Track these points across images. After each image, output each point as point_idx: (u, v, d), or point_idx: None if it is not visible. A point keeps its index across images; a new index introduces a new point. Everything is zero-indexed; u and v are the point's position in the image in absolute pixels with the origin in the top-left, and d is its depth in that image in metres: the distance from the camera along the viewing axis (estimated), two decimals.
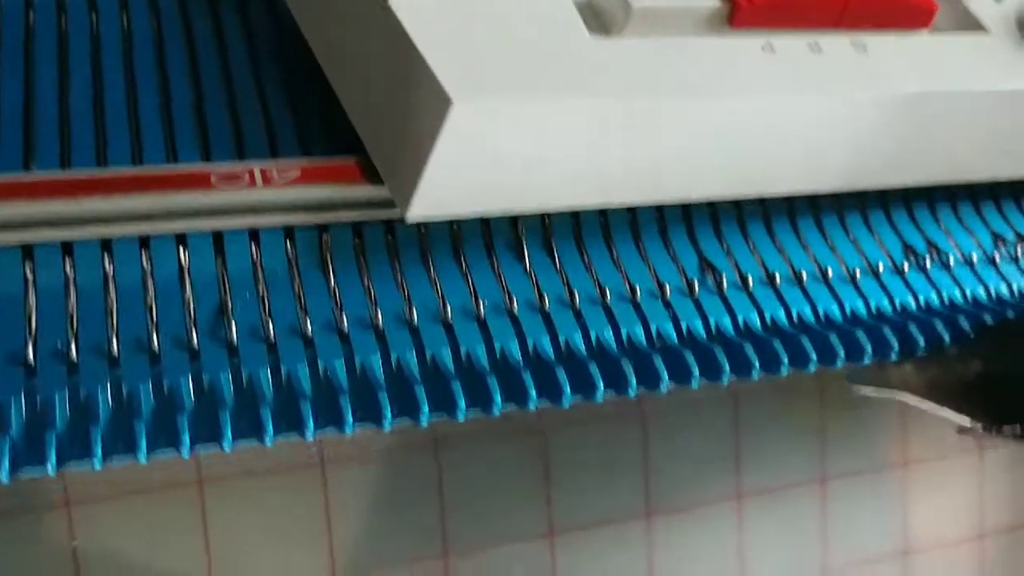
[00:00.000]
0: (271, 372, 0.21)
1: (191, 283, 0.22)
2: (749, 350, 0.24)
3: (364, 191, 0.23)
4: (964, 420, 0.25)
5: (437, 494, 0.30)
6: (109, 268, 0.21)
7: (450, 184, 0.22)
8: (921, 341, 0.25)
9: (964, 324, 0.26)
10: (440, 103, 0.22)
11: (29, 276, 0.21)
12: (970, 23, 0.29)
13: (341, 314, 0.22)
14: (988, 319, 0.26)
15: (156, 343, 0.21)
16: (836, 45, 0.27)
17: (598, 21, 0.26)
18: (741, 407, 0.33)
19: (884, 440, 0.36)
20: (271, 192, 0.23)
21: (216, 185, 0.22)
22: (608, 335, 0.24)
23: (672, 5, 0.26)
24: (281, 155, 0.24)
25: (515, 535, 0.31)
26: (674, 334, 0.24)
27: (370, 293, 0.23)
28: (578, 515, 0.32)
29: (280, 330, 0.22)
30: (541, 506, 0.32)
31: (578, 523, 0.32)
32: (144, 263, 0.22)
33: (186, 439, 0.20)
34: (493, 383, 0.22)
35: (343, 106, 0.24)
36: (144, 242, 0.22)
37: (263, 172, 0.23)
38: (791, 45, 0.26)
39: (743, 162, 0.25)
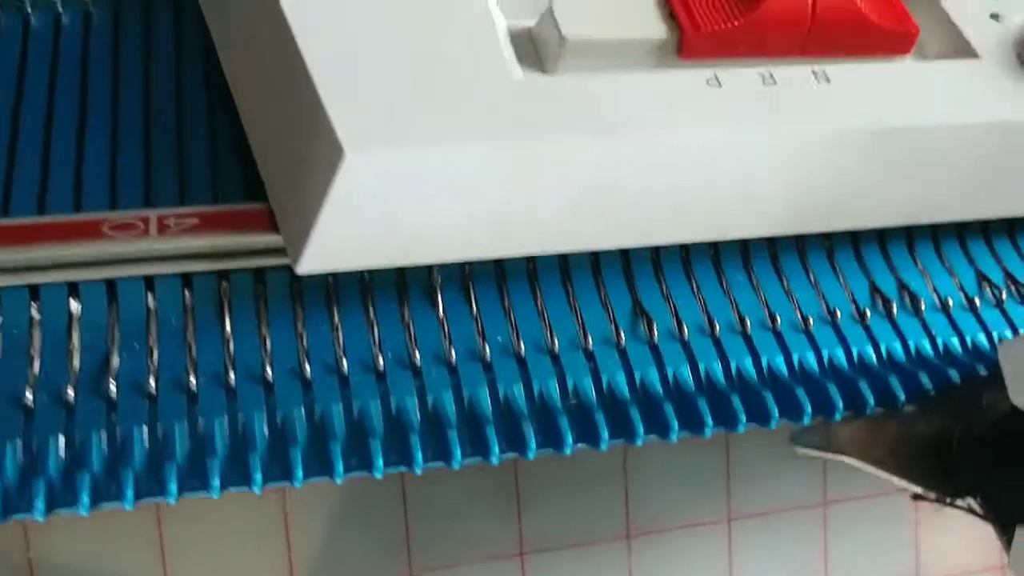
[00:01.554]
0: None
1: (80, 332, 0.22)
2: (669, 410, 0.22)
3: (267, 239, 0.23)
4: (916, 488, 0.23)
5: (402, 510, 0.30)
6: None
7: (345, 237, 0.21)
8: (871, 399, 0.23)
9: (925, 381, 0.23)
10: (333, 152, 0.21)
11: None
12: (959, 48, 0.26)
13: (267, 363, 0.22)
14: (954, 375, 0.24)
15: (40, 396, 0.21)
16: (793, 75, 0.25)
17: (536, 55, 0.25)
18: None
19: None
20: (167, 241, 0.22)
21: (109, 234, 0.22)
22: (551, 387, 0.23)
23: (610, 37, 0.24)
24: (191, 202, 0.23)
25: (484, 554, 0.30)
26: (593, 390, 0.23)
27: (265, 342, 0.22)
28: (552, 534, 0.31)
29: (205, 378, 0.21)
30: (511, 524, 0.31)
31: (552, 543, 0.31)
32: (34, 312, 0.22)
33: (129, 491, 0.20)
34: (376, 445, 0.21)
35: (251, 147, 0.24)
36: (34, 291, 0.22)
37: (160, 220, 0.22)
38: (741, 76, 0.24)
39: (671, 207, 0.23)
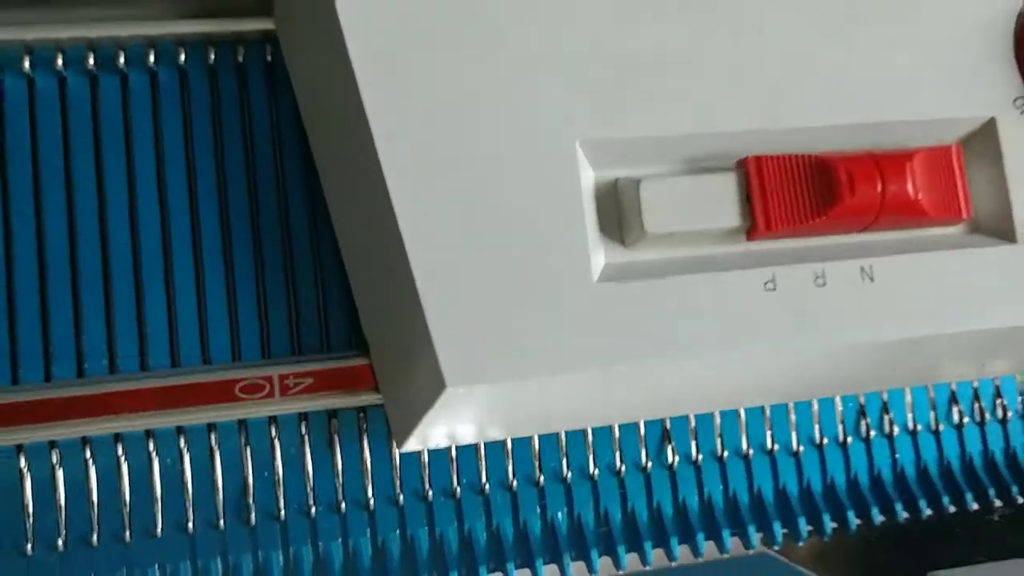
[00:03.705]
0: None
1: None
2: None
3: (375, 397, 0.27)
4: None
5: None
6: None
7: (441, 434, 0.26)
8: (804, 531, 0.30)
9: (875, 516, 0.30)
10: (435, 379, 0.25)
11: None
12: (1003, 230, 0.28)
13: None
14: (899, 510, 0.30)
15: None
16: (843, 273, 0.27)
17: (617, 221, 0.27)
18: None
19: None
20: (288, 402, 0.27)
21: (239, 396, 0.26)
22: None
23: (688, 229, 0.26)
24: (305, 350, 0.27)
25: None
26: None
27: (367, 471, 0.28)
28: None
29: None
30: None
31: None
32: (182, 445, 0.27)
33: None
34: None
35: (360, 319, 0.27)
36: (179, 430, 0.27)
37: (281, 380, 0.26)
38: (796, 277, 0.27)
39: (705, 394, 0.28)
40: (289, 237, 0.28)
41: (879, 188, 0.27)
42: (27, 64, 0.27)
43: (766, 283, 0.27)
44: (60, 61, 0.27)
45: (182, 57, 0.28)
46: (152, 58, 0.28)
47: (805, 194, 0.27)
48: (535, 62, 0.26)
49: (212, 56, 0.28)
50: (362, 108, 0.25)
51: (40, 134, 0.27)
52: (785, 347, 0.27)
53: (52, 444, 0.26)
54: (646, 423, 0.29)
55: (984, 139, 0.29)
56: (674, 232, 0.26)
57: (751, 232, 0.27)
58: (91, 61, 0.27)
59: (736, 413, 0.30)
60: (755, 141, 0.27)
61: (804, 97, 0.27)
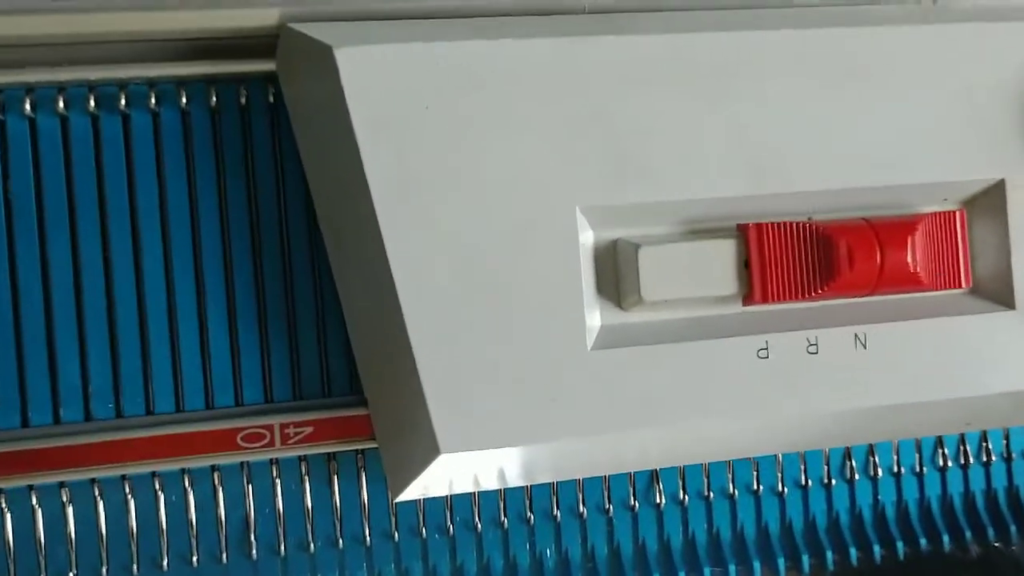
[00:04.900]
0: None
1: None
2: None
3: (372, 445, 0.28)
4: None
5: None
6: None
7: (432, 487, 0.27)
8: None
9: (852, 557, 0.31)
10: (430, 444, 0.26)
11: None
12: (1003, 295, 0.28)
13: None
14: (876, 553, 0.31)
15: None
16: (836, 341, 0.27)
17: (616, 284, 0.27)
18: None
19: None
20: (288, 450, 0.27)
21: (241, 445, 0.27)
22: None
23: (684, 296, 0.27)
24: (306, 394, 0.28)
25: None
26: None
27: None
28: None
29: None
30: None
31: None
32: (186, 484, 0.28)
33: None
34: None
35: (359, 374, 0.27)
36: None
37: (282, 429, 0.27)
38: (788, 344, 0.27)
39: (697, 449, 0.28)
40: (291, 282, 0.28)
41: (878, 260, 0.27)
42: (28, 106, 0.27)
43: (759, 351, 0.27)
44: (62, 103, 0.27)
45: (184, 99, 0.27)
46: (154, 99, 0.27)
47: (804, 264, 0.27)
48: (538, 128, 0.26)
49: (214, 97, 0.28)
50: (362, 168, 0.25)
51: (43, 178, 0.27)
52: (776, 415, 0.27)
53: (62, 484, 0.27)
54: None
55: (989, 202, 0.29)
56: (671, 299, 0.27)
57: (747, 299, 0.27)
58: (92, 103, 0.27)
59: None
60: (757, 205, 0.27)
61: (807, 160, 0.27)
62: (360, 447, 0.28)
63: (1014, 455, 0.32)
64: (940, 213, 0.28)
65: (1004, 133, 0.28)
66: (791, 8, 0.28)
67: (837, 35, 0.27)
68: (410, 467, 0.26)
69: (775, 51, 0.27)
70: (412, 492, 0.27)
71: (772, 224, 0.27)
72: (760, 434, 0.28)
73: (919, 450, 0.32)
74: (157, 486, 0.27)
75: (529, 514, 0.30)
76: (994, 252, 0.28)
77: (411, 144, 0.25)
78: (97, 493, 0.27)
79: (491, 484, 0.27)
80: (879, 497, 0.32)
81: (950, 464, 0.32)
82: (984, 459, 0.32)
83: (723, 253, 0.27)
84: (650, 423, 0.26)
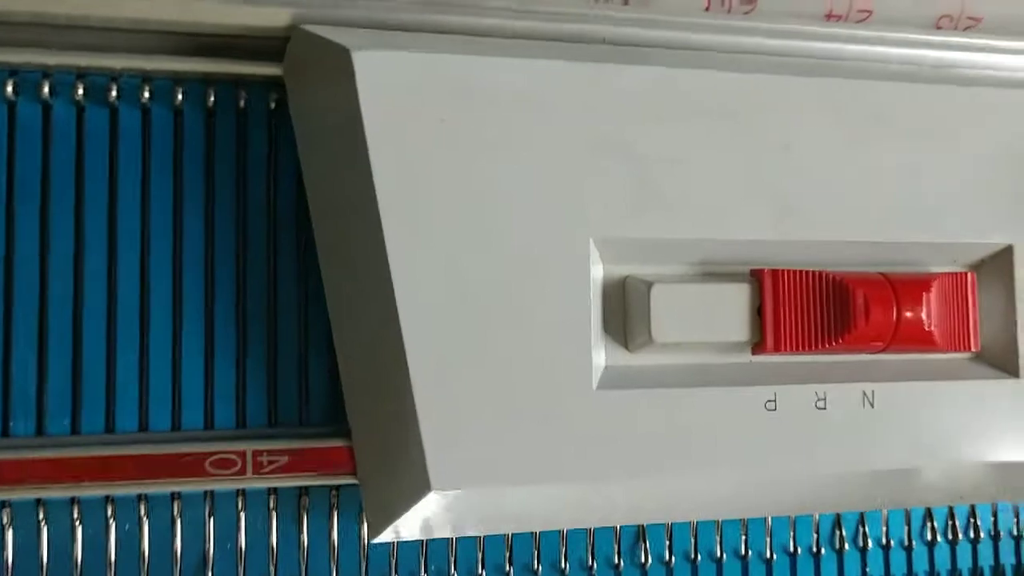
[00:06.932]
0: None
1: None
2: None
3: (349, 480, 0.26)
4: None
5: None
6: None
7: (415, 528, 0.25)
8: None
9: None
10: (420, 480, 0.24)
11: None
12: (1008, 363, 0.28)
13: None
14: None
15: None
16: (844, 397, 0.26)
17: (623, 327, 0.26)
18: None
19: None
20: (260, 480, 0.25)
21: (209, 471, 0.25)
22: None
23: (694, 339, 0.26)
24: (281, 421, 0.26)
25: None
26: None
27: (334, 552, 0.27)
28: None
29: None
30: None
31: None
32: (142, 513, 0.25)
33: None
34: None
35: (345, 403, 0.26)
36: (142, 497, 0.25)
37: (255, 456, 0.25)
38: (796, 398, 0.26)
39: (699, 504, 0.27)
40: (275, 299, 0.26)
41: (895, 316, 0.26)
42: (10, 88, 0.25)
43: (767, 402, 0.26)
44: (46, 88, 0.25)
45: (179, 96, 0.26)
46: (147, 94, 0.26)
47: (818, 315, 0.26)
48: (556, 152, 0.25)
49: (212, 97, 0.26)
50: (371, 181, 0.24)
51: (16, 169, 0.25)
52: (780, 470, 0.26)
53: (2, 504, 0.24)
54: None
55: (997, 267, 0.28)
56: (681, 342, 0.25)
57: (757, 347, 0.26)
58: (80, 92, 0.25)
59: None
60: (772, 250, 0.26)
61: (824, 211, 0.26)
62: (336, 483, 0.26)
63: (1002, 533, 0.31)
64: (954, 274, 0.27)
65: (1016, 199, 0.28)
66: (821, 59, 0.28)
67: (867, 88, 0.27)
68: (395, 504, 0.24)
69: (804, 98, 0.26)
70: (391, 534, 0.25)
71: (788, 271, 0.26)
72: (760, 490, 0.26)
73: (908, 522, 0.31)
74: (109, 512, 0.25)
75: (508, 567, 0.28)
76: (999, 318, 0.28)
77: (423, 157, 0.24)
78: (41, 516, 0.25)
79: (475, 530, 0.26)
80: (867, 570, 0.30)
81: (939, 539, 0.31)
82: (972, 535, 0.31)
83: (736, 298, 0.26)
84: (651, 470, 0.25)
